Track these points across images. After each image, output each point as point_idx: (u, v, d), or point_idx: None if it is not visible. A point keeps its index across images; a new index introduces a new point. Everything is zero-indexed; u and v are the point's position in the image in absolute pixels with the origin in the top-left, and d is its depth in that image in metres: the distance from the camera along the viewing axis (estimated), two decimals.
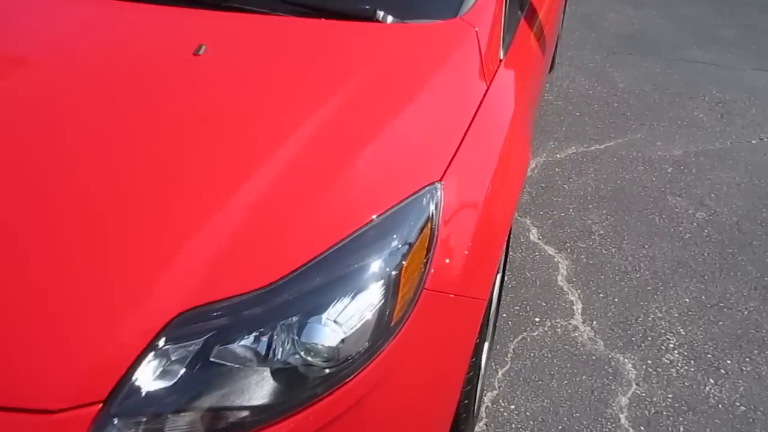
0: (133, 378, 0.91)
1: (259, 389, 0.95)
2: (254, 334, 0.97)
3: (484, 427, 1.77)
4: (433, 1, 1.51)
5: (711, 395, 1.88)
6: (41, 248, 1.00)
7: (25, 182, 1.09)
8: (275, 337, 0.97)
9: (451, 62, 1.37)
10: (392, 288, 1.04)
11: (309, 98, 1.23)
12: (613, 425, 1.78)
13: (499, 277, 1.65)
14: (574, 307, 2.16)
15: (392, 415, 1.10)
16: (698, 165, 3.00)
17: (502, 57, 1.51)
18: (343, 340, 0.98)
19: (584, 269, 2.32)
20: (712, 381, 1.92)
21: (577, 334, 2.05)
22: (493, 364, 1.93)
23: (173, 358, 0.94)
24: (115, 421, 0.89)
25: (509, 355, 1.97)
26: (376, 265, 1.04)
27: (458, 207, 1.18)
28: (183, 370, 0.94)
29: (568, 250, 2.42)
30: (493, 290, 1.42)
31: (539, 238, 2.47)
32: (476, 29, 1.42)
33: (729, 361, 1.99)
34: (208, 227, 1.01)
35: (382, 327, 1.02)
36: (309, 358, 0.97)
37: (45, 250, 0.99)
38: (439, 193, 1.14)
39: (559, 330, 2.06)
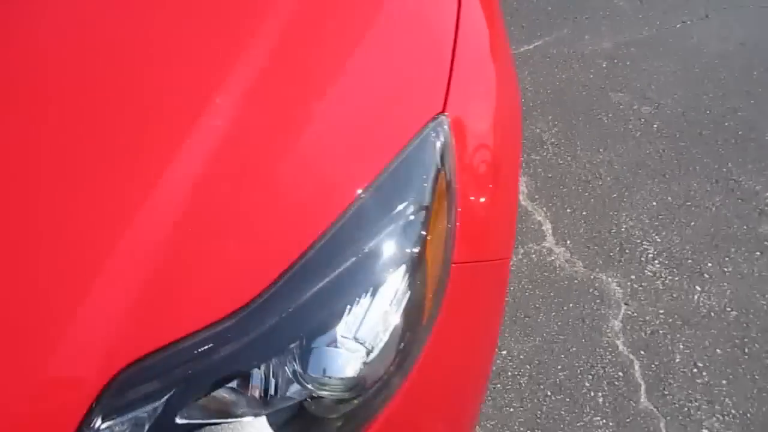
0: None
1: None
2: (236, 378, 0.66)
3: None
4: None
5: (701, 304, 1.77)
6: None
7: None
8: (269, 377, 0.66)
9: None
10: (418, 271, 0.75)
11: (252, 25, 0.86)
12: (613, 354, 1.64)
13: None
14: (544, 228, 1.97)
15: (427, 413, 0.84)
16: (631, 56, 2.84)
17: None
18: (366, 362, 0.69)
19: (544, 184, 2.12)
20: (698, 288, 1.81)
21: (553, 258, 1.87)
22: None
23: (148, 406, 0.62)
24: None
25: None
26: (391, 246, 0.74)
27: (468, 145, 0.89)
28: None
29: (524, 164, 2.20)
30: None
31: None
32: None
33: (710, 264, 1.88)
34: (139, 234, 0.66)
35: (414, 328, 0.74)
36: (324, 394, 0.68)
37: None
38: (446, 128, 0.84)
39: (533, 256, 1.87)
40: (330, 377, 0.67)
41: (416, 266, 0.75)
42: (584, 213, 2.03)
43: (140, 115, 0.76)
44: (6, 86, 0.79)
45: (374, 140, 0.80)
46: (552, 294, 1.77)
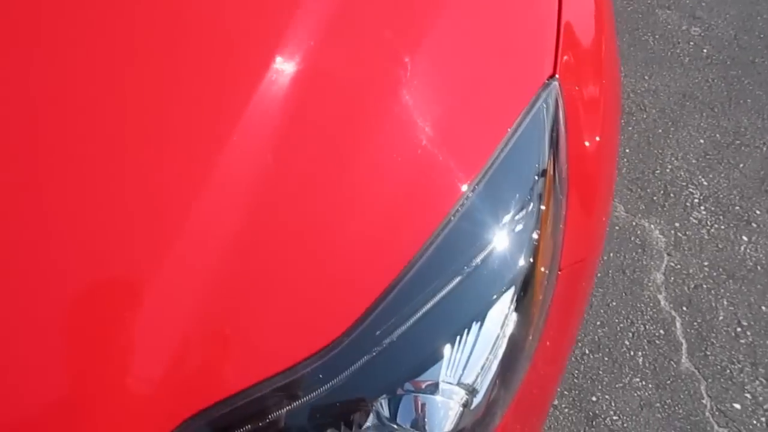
0: None
1: None
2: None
3: None
4: None
5: (748, 256, 1.67)
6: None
7: None
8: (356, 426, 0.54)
9: None
10: (529, 286, 0.61)
11: None
12: (654, 310, 1.55)
13: None
14: None
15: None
16: None
17: None
18: (468, 408, 0.57)
19: None
20: (745, 239, 1.71)
21: None
22: None
23: None
24: None
25: None
26: (499, 260, 0.60)
27: (581, 120, 0.73)
28: None
29: None
30: None
31: None
32: None
33: (758, 212, 1.77)
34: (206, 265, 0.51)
35: (518, 356, 0.62)
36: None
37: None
38: (558, 98, 0.68)
39: None
40: (424, 428, 0.55)
41: (528, 282, 0.61)
42: (627, 150, 1.87)
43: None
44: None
45: (477, 120, 0.64)
46: None
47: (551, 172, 0.66)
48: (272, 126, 0.58)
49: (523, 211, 0.62)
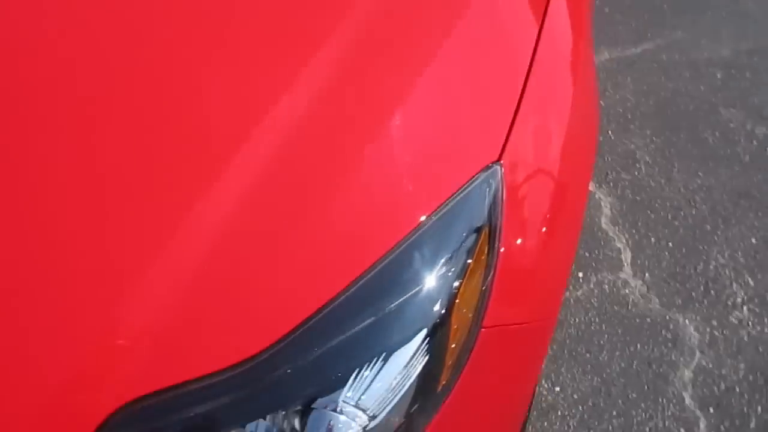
0: None
1: None
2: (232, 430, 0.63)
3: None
4: None
5: None
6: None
7: None
8: None
9: None
10: (439, 335, 0.69)
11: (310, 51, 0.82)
12: (677, 407, 1.50)
13: None
14: (623, 257, 1.83)
15: None
16: (752, 67, 2.57)
17: None
18: (366, 429, 0.65)
19: (631, 208, 1.97)
20: None
21: (627, 291, 1.74)
22: None
23: None
24: None
25: None
26: (415, 307, 0.68)
27: (525, 196, 0.81)
28: None
29: (611, 183, 2.05)
30: None
31: None
32: None
33: None
34: (168, 270, 0.64)
35: (426, 396, 0.69)
36: None
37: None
38: (498, 179, 0.77)
39: (606, 287, 1.75)
40: None
41: (439, 330, 0.69)
42: (670, 244, 1.86)
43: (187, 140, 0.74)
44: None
45: (417, 190, 0.74)
46: (620, 331, 1.65)
47: (484, 241, 0.74)
48: (257, 159, 0.71)
49: (444, 271, 0.70)
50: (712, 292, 1.74)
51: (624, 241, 1.87)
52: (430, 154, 0.78)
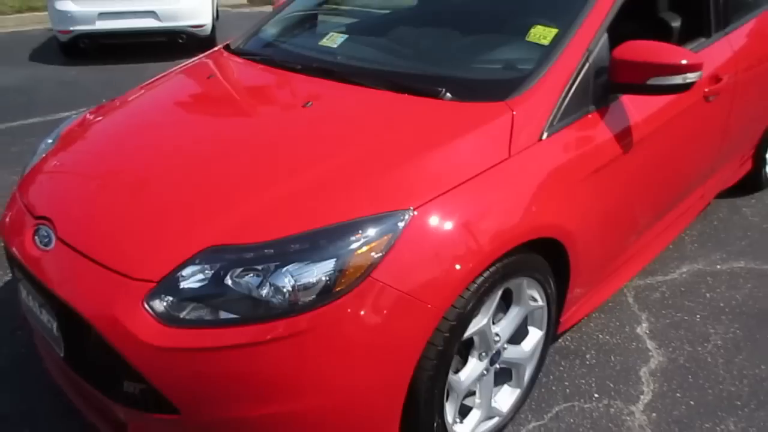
0: (175, 274, 1.50)
1: (242, 306, 1.46)
2: (250, 273, 1.49)
3: None
4: (487, 88, 1.89)
5: None
6: (171, 193, 1.71)
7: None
8: (256, 276, 1.47)
9: (478, 131, 1.75)
10: (340, 268, 1.46)
11: (357, 139, 1.75)
12: None
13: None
14: (642, 397, 2.17)
15: (331, 357, 1.47)
16: None
17: (543, 137, 1.81)
18: (294, 287, 1.44)
19: (677, 369, 2.29)
20: None
21: (629, 419, 2.08)
22: (529, 414, 2.09)
23: (201, 276, 1.51)
24: (159, 295, 1.49)
25: (549, 414, 2.10)
26: (332, 248, 1.47)
27: (426, 236, 1.54)
28: (207, 281, 1.50)
29: (671, 348, 2.39)
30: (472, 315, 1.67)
31: (645, 332, 2.49)
32: (514, 112, 1.78)
33: None
34: (236, 209, 1.59)
35: (325, 291, 1.45)
36: (270, 293, 1.45)
37: (168, 196, 1.70)
38: (408, 216, 1.53)
39: (612, 410, 2.11)
40: (276, 285, 1.44)
41: (342, 263, 1.47)
42: (692, 402, 2.13)
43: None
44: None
45: (372, 200, 1.55)
46: None
47: (388, 238, 1.51)
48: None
49: (358, 240, 1.48)
50: None
51: (652, 387, 2.20)
52: (380, 193, 1.58)
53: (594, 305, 2.32)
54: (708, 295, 2.72)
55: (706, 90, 2.43)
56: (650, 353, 2.38)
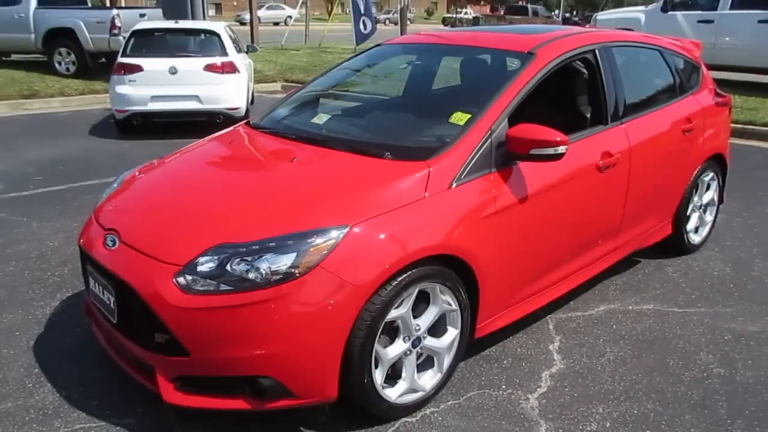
0: (194, 261, 2.30)
1: (239, 282, 2.24)
2: (242, 261, 2.28)
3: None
4: (414, 152, 2.72)
5: None
6: (194, 212, 2.55)
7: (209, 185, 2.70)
8: (246, 263, 2.27)
9: (404, 179, 2.56)
10: (299, 259, 2.25)
11: (322, 181, 2.60)
12: None
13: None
14: (539, 390, 2.84)
15: (294, 315, 2.24)
16: None
17: (452, 186, 2.61)
18: (269, 270, 2.23)
19: (571, 373, 2.96)
20: None
21: (523, 402, 2.75)
22: (448, 396, 2.78)
23: (211, 263, 2.31)
24: (183, 275, 2.29)
25: (464, 397, 2.78)
26: (295, 246, 2.27)
27: (359, 243, 2.33)
28: (215, 266, 2.29)
29: (572, 360, 3.06)
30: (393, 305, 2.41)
31: (556, 349, 3.17)
32: (431, 168, 2.60)
33: None
34: (236, 222, 2.41)
35: (288, 273, 2.23)
36: (253, 274, 2.24)
37: (192, 214, 2.54)
38: (346, 229, 2.32)
39: (513, 396, 2.79)
40: (258, 268, 2.24)
41: (300, 256, 2.27)
42: (575, 395, 2.80)
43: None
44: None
45: (318, 219, 2.36)
46: (496, 420, 2.67)
47: (332, 243, 2.30)
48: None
49: (312, 242, 2.28)
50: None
51: (547, 384, 2.87)
52: (323, 215, 2.39)
53: (508, 320, 3.03)
54: (614, 326, 3.41)
55: (600, 163, 3.23)
56: (554, 362, 3.06)
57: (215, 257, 2.31)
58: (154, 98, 7.99)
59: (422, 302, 2.62)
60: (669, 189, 3.95)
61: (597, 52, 3.45)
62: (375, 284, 2.35)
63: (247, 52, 10.34)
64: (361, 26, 16.61)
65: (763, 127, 8.46)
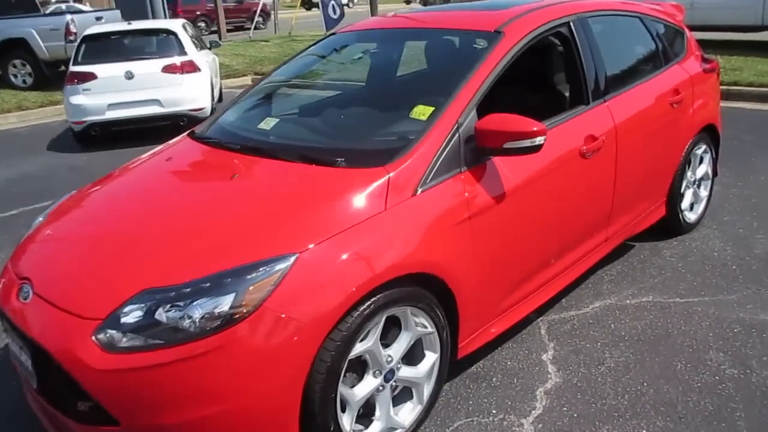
0: (116, 313, 1.94)
1: (171, 333, 1.89)
2: (173, 307, 1.92)
3: None
4: (371, 157, 2.36)
5: None
6: (117, 249, 2.19)
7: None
8: (177, 310, 1.91)
9: (360, 191, 2.20)
10: (239, 299, 1.90)
11: (265, 202, 2.24)
12: None
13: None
14: (534, 412, 2.52)
15: (240, 366, 1.89)
16: None
17: (417, 192, 2.26)
18: (204, 316, 1.88)
19: (569, 388, 2.64)
20: None
21: (518, 429, 2.43)
22: (433, 428, 2.45)
23: (137, 313, 1.95)
24: (104, 330, 1.93)
25: (449, 429, 2.46)
26: (234, 284, 1.91)
27: (310, 273, 1.99)
28: (141, 316, 1.94)
29: (569, 371, 2.75)
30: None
31: (549, 358, 2.86)
32: (390, 175, 2.25)
33: None
34: (166, 260, 2.06)
35: (228, 318, 1.88)
36: (187, 322, 1.89)
37: (114, 252, 2.18)
38: (293, 259, 1.97)
39: (505, 423, 2.47)
40: (190, 316, 1.89)
41: (239, 297, 1.91)
42: (575, 415, 2.48)
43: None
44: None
45: (263, 248, 2.01)
46: None
47: (276, 277, 1.95)
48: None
49: (253, 277, 1.93)
50: None
51: (544, 403, 2.55)
52: (273, 242, 2.04)
53: (494, 334, 2.70)
54: (613, 326, 3.09)
55: (584, 148, 2.89)
56: (549, 375, 2.74)
57: (141, 305, 1.95)
58: (112, 106, 7.56)
59: (394, 327, 2.29)
60: (660, 167, 3.62)
61: (572, 24, 3.10)
62: (332, 319, 2.00)
63: (210, 48, 9.89)
64: (330, 11, 16.08)
65: (748, 87, 8.15)
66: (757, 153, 5.67)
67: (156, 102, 7.67)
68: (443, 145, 2.38)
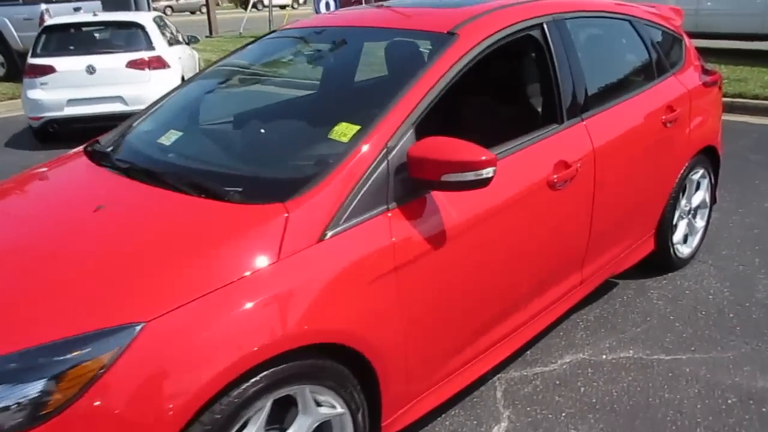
0: None
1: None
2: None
3: None
4: (268, 189, 1.85)
5: None
6: None
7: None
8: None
9: (246, 235, 1.69)
10: (52, 387, 1.40)
11: (121, 247, 1.73)
12: None
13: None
14: None
15: None
16: None
17: (326, 236, 1.76)
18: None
19: None
20: None
21: None
22: None
23: None
24: None
25: None
26: (47, 367, 1.41)
27: (158, 350, 1.48)
28: None
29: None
30: None
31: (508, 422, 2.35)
32: (288, 214, 1.74)
33: None
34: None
35: (34, 413, 1.38)
36: None
37: None
38: (137, 330, 1.47)
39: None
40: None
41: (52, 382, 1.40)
42: None
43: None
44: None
45: (106, 315, 1.50)
46: None
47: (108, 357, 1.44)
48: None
49: (76, 356, 1.42)
50: None
51: None
52: (112, 306, 1.53)
53: (431, 405, 2.19)
54: (583, 389, 2.58)
55: (554, 177, 2.38)
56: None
57: None
58: (71, 102, 7.05)
59: (293, 406, 1.79)
60: (649, 197, 3.11)
61: (546, 27, 2.58)
62: (188, 411, 1.50)
63: (188, 44, 9.39)
64: (323, 6, 15.56)
65: (753, 99, 7.62)
66: (762, 174, 5.14)
67: (119, 99, 7.16)
68: (365, 175, 1.87)
